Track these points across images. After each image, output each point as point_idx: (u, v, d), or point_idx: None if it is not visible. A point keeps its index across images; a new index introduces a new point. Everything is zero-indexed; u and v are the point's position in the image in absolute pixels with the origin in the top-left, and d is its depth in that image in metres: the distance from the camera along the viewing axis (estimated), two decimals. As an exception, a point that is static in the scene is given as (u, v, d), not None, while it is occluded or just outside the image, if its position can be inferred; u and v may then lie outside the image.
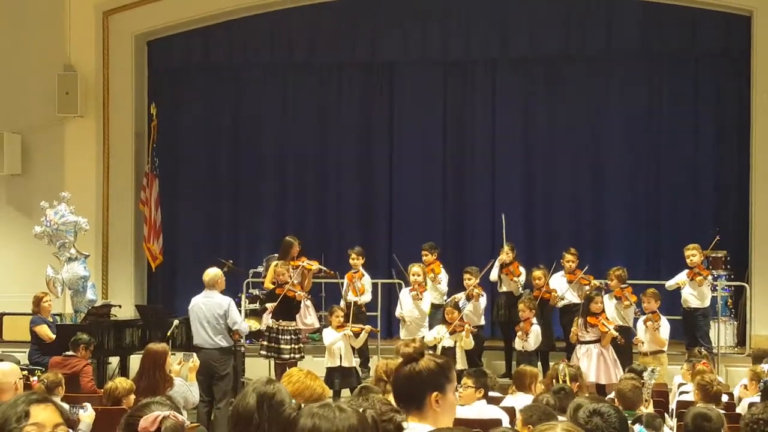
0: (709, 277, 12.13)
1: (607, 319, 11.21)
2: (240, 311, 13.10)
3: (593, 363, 11.04)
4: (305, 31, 15.14)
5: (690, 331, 12.07)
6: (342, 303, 12.18)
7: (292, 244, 12.68)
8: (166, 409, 3.19)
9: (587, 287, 11.91)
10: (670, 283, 12.16)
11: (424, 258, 12.45)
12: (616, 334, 11.03)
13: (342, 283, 12.49)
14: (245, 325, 11.15)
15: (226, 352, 10.72)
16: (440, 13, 14.79)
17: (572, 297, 12.11)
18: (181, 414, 3.34)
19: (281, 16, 15.19)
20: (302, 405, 2.55)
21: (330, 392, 4.88)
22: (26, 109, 14.63)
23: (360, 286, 12.39)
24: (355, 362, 11.51)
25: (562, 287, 12.18)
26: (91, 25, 14.67)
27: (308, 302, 12.53)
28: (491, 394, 8.14)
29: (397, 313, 12.26)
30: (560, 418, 6.31)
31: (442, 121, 15.20)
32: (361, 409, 2.46)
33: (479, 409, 7.33)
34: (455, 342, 11.26)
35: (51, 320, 12.12)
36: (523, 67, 15.06)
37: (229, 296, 13.16)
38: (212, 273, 10.90)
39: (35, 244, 12.92)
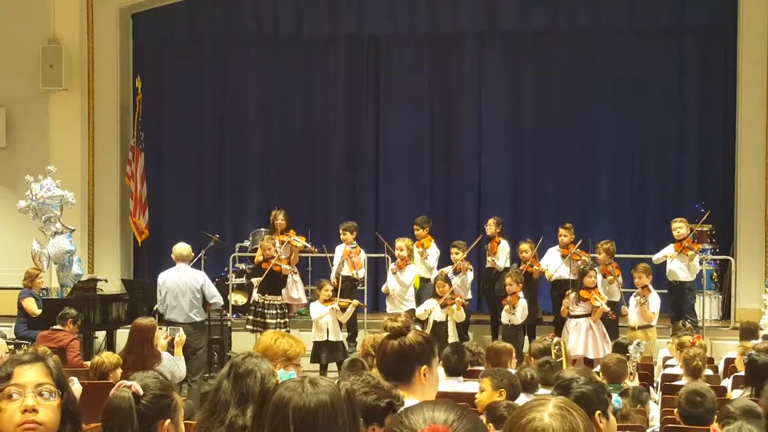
0: (695, 251, 12.15)
1: (599, 294, 11.25)
2: (228, 286, 13.13)
3: (582, 337, 11.09)
4: (291, 4, 15.04)
5: (676, 304, 12.10)
6: (332, 277, 12.18)
7: (276, 217, 12.70)
8: (145, 380, 3.22)
9: (579, 262, 11.92)
10: (657, 257, 12.18)
11: (415, 232, 12.46)
12: (608, 309, 11.09)
13: (331, 258, 12.46)
14: (221, 298, 11.16)
15: (199, 326, 10.69)
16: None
17: (563, 272, 12.11)
18: (169, 385, 3.35)
19: (267, -11, 15.12)
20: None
21: (303, 343, 4.89)
22: (10, 82, 14.51)
23: (357, 261, 12.41)
24: (342, 336, 11.53)
25: (555, 261, 12.20)
26: (76, -3, 14.55)
27: (296, 277, 12.52)
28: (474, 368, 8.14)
29: (383, 287, 12.29)
30: (542, 391, 6.34)
31: (429, 94, 15.17)
32: (336, 382, 2.48)
33: (456, 385, 7.34)
34: (447, 316, 11.27)
35: (39, 294, 12.07)
36: (511, 41, 15.03)
37: (216, 271, 13.19)
38: (185, 247, 10.89)
39: (20, 218, 12.87)
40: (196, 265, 11.59)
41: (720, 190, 14.21)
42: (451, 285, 11.41)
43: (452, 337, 11.03)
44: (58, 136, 14.51)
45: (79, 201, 13.51)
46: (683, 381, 7.85)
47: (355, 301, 11.67)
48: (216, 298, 10.83)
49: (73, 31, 14.55)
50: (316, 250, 12.96)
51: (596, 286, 11.32)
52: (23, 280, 12.00)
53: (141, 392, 3.16)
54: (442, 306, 11.25)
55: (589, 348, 11.08)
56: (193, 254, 11.00)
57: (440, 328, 10.98)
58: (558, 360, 7.70)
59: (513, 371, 6.92)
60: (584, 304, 11.22)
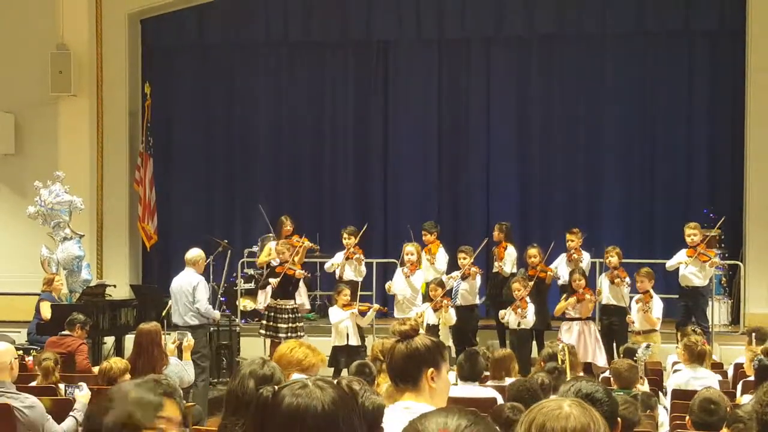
0: (716, 257, 12.08)
1: (590, 291, 11.25)
2: (236, 291, 13.11)
3: (573, 340, 11.05)
4: (300, 10, 15.08)
5: (687, 309, 12.01)
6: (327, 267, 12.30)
7: (283, 223, 12.75)
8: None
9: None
10: (671, 264, 12.04)
11: (423, 238, 12.46)
12: (593, 300, 11.10)
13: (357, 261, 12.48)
14: (206, 306, 10.80)
15: (196, 330, 10.56)
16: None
17: (567, 276, 12.14)
18: (178, 392, 3.35)
19: (275, -5, 15.16)
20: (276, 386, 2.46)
21: (322, 355, 4.87)
22: (19, 89, 14.55)
23: (359, 268, 12.47)
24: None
25: (563, 267, 12.21)
26: (84, 3, 14.57)
27: (300, 282, 12.51)
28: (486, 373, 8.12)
29: (387, 285, 12.29)
30: (553, 397, 6.31)
31: (437, 99, 15.18)
32: (335, 382, 2.43)
33: (471, 389, 7.32)
34: (439, 319, 11.27)
35: (58, 299, 12.10)
36: (518, 46, 15.03)
37: (225, 276, 13.18)
38: (193, 252, 10.90)
39: (30, 224, 12.88)
40: (205, 271, 11.57)
41: (729, 195, 14.17)
42: (444, 289, 11.40)
43: (444, 340, 11.04)
44: (67, 141, 14.55)
45: (88, 206, 13.53)
46: (684, 368, 7.89)
47: (376, 305, 11.70)
48: (199, 303, 10.66)
49: (82, 36, 14.59)
50: (319, 248, 13.03)
51: (586, 287, 11.31)
52: (42, 285, 12.07)
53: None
54: (435, 310, 11.24)
55: (580, 351, 11.06)
56: (200, 259, 10.94)
57: (433, 331, 10.95)
58: (563, 365, 7.69)
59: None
60: (577, 306, 11.26)
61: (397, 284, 12.09)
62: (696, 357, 7.83)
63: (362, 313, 11.34)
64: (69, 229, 12.43)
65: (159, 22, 15.39)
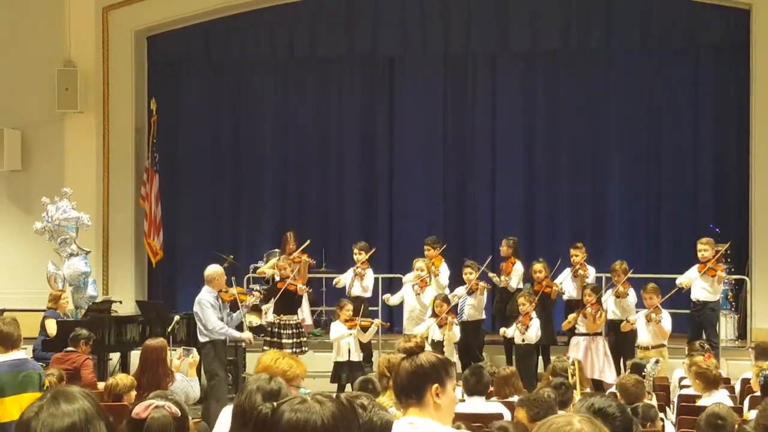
0: (722, 272, 12.03)
1: (593, 305, 11.24)
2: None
3: (580, 355, 11.03)
4: (305, 26, 15.12)
5: (697, 324, 11.97)
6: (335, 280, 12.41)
7: (288, 240, 12.77)
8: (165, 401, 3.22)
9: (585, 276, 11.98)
10: (683, 280, 12.00)
11: (426, 253, 12.46)
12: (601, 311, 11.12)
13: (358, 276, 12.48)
14: (212, 322, 10.21)
15: (204, 346, 10.27)
16: (440, 7, 14.78)
17: (573, 292, 12.12)
18: (184, 408, 3.35)
19: (281, 11, 15.19)
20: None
21: (304, 365, 4.82)
22: (26, 105, 14.61)
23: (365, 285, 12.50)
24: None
25: (567, 282, 12.20)
26: (91, 20, 14.66)
27: (304, 298, 12.52)
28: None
29: (386, 296, 12.32)
30: (560, 413, 6.29)
31: (443, 115, 15.20)
32: (335, 396, 2.43)
33: (477, 405, 7.31)
34: (444, 335, 11.25)
35: (63, 316, 12.08)
36: (524, 62, 15.05)
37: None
38: (207, 270, 10.64)
39: (36, 239, 12.92)
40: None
41: (735, 210, 14.16)
42: (449, 304, 11.39)
43: (448, 357, 10.98)
44: (74, 158, 14.60)
45: (94, 222, 13.56)
46: (701, 396, 7.83)
47: (378, 320, 11.67)
48: (204, 321, 10.27)
49: (89, 53, 14.66)
50: (314, 261, 13.06)
51: (595, 303, 11.28)
52: (48, 302, 12.04)
53: (179, 413, 3.16)
54: (439, 326, 11.22)
55: (587, 367, 11.02)
56: (216, 276, 10.51)
57: (437, 348, 10.93)
58: (572, 380, 7.66)
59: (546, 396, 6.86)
60: (584, 320, 11.24)
61: (407, 300, 12.10)
62: (712, 382, 7.73)
63: (364, 329, 11.32)
64: (75, 245, 12.45)
65: (165, 39, 15.44)
